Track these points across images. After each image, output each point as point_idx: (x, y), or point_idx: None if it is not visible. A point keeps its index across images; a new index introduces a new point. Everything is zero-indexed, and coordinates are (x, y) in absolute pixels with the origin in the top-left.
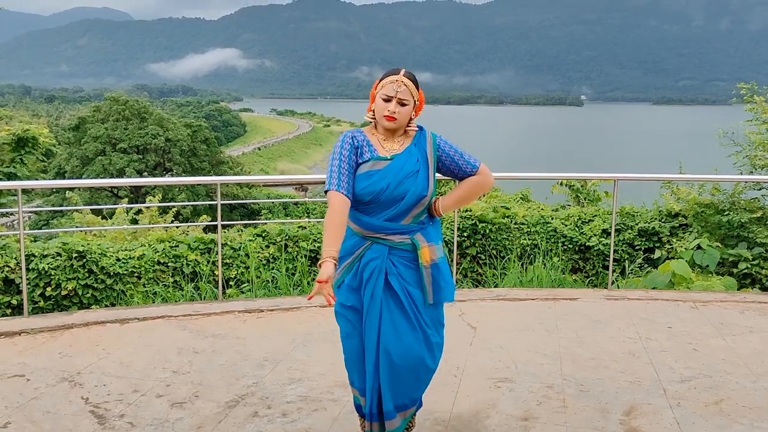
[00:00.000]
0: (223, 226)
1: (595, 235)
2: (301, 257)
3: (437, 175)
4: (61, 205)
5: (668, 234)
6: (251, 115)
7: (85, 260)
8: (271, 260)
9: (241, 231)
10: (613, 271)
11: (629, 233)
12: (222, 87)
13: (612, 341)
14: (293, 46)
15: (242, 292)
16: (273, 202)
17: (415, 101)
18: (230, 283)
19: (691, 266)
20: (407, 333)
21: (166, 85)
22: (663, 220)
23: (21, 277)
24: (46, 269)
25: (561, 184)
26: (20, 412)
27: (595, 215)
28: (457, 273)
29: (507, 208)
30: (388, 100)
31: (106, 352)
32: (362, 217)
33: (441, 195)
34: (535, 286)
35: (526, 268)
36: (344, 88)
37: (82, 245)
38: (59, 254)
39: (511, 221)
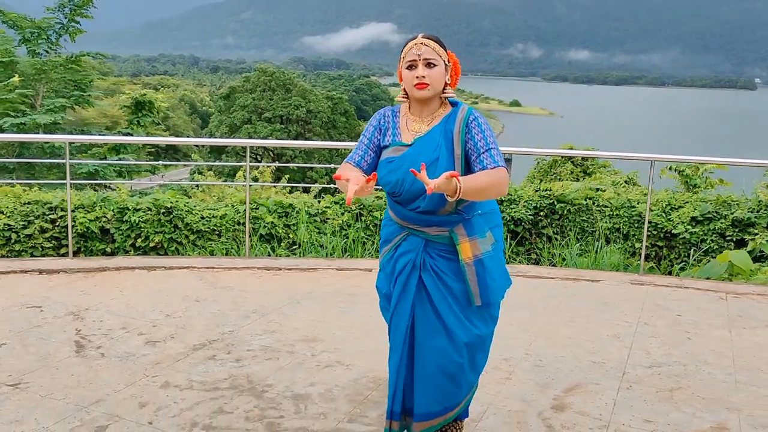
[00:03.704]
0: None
1: (683, 222)
2: (372, 226)
3: None
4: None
5: (765, 226)
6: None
7: (172, 216)
8: (345, 227)
9: (322, 198)
10: (700, 261)
11: (722, 223)
12: (374, 61)
13: (605, 323)
14: (446, 21)
15: (293, 253)
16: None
17: (445, 63)
18: (293, 245)
19: None
20: (441, 334)
21: (320, 58)
22: (761, 211)
23: (116, 228)
24: (137, 222)
25: (670, 168)
26: (18, 336)
27: (687, 202)
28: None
29: (602, 190)
30: (413, 66)
31: (122, 293)
32: (396, 206)
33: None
34: (596, 268)
35: (597, 251)
36: (495, 66)
37: (171, 202)
38: (150, 209)
39: (594, 203)
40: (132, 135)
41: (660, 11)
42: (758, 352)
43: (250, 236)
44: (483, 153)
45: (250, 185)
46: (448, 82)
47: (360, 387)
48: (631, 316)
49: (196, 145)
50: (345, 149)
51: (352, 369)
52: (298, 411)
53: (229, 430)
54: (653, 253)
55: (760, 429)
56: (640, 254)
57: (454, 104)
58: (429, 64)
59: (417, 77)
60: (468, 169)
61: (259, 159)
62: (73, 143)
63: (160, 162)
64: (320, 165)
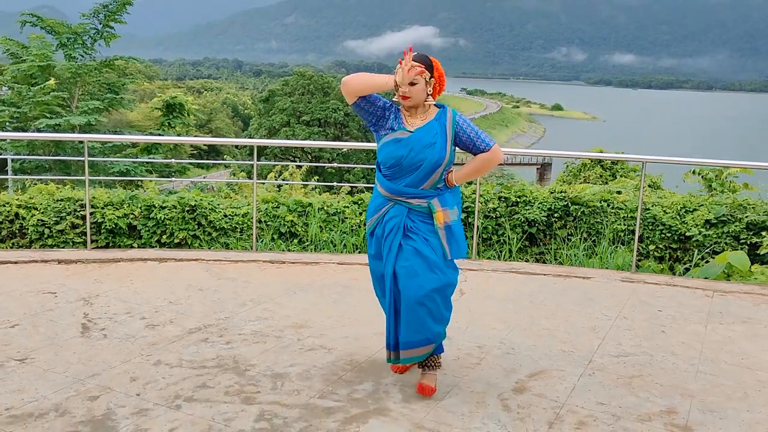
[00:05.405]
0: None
1: (697, 225)
2: None
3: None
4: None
5: None
6: (441, 94)
7: (195, 213)
8: (362, 226)
9: (337, 194)
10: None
11: (736, 225)
12: None
13: (584, 317)
14: (489, 25)
15: (304, 249)
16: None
17: (425, 79)
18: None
19: None
20: (424, 272)
21: (362, 62)
22: None
23: (143, 225)
24: (163, 219)
25: (693, 172)
26: (31, 318)
27: (701, 204)
28: (515, 249)
29: (619, 192)
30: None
31: (131, 282)
32: (386, 182)
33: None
34: (598, 267)
35: (603, 251)
36: (538, 69)
37: (195, 200)
38: (175, 206)
39: (608, 205)
40: (162, 136)
41: (708, 14)
42: (726, 345)
43: (257, 231)
44: (476, 141)
45: (258, 182)
46: (430, 93)
47: (336, 368)
48: (612, 311)
49: (236, 147)
50: (350, 149)
51: (332, 352)
52: (275, 387)
53: (208, 402)
54: (667, 255)
55: (707, 413)
56: (652, 256)
57: (439, 106)
58: (411, 83)
59: (401, 92)
60: (465, 149)
61: (297, 160)
62: (107, 144)
63: (185, 161)
64: (333, 165)
